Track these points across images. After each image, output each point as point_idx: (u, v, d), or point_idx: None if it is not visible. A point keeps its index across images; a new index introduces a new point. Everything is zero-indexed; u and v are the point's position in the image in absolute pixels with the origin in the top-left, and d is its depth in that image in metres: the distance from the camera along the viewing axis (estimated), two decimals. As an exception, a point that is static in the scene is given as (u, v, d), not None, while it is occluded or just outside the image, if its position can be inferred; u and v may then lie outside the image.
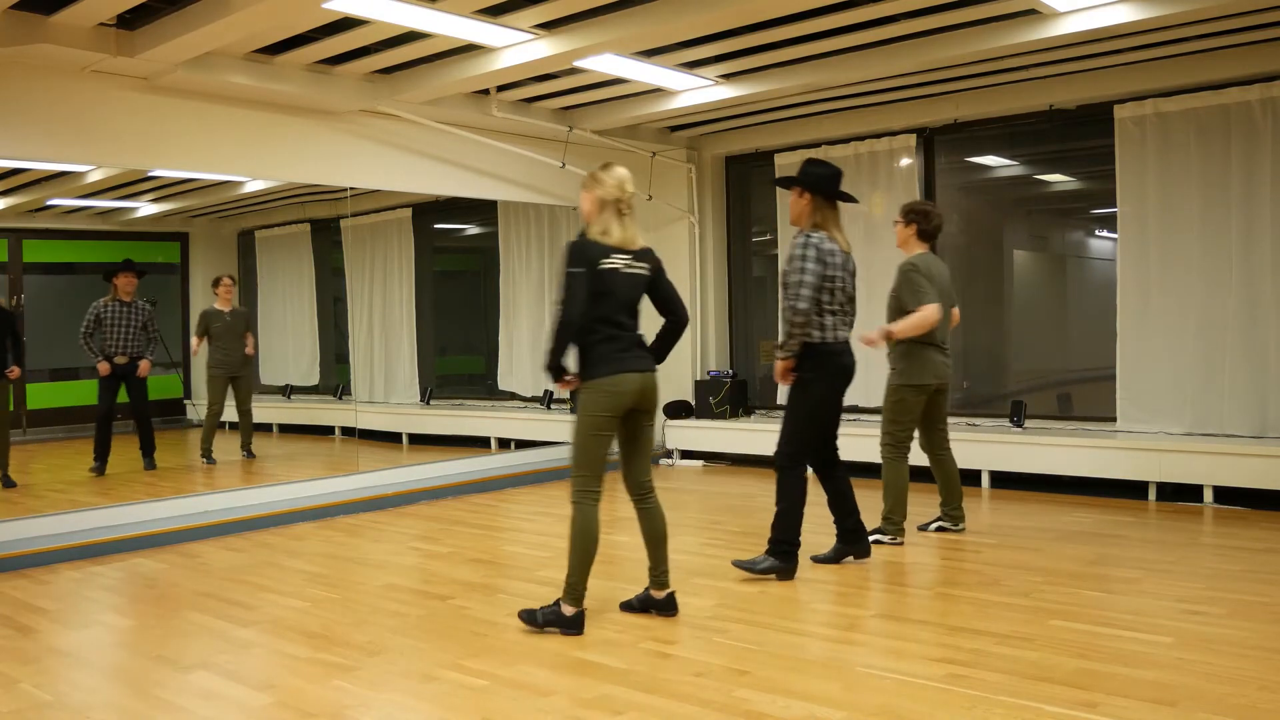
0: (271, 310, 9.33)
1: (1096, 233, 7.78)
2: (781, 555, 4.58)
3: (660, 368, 4.01)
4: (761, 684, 3.27)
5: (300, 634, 3.96)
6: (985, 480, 6.89)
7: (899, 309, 5.13)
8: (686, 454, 8.45)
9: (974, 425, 7.30)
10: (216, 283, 8.10)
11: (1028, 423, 7.05)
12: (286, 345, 9.25)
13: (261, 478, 7.78)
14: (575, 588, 3.81)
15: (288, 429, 9.19)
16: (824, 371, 4.55)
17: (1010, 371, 7.89)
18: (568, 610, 3.82)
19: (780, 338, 4.60)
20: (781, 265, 4.66)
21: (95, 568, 5.20)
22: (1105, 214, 7.15)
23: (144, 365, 7.41)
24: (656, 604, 4.06)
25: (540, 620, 3.86)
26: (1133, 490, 6.40)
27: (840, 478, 4.78)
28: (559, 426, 8.53)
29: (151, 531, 5.70)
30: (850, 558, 4.84)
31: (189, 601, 4.49)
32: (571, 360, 3.86)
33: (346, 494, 6.72)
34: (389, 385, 9.28)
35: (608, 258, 3.77)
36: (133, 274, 7.51)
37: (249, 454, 8.11)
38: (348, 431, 8.56)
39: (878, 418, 5.50)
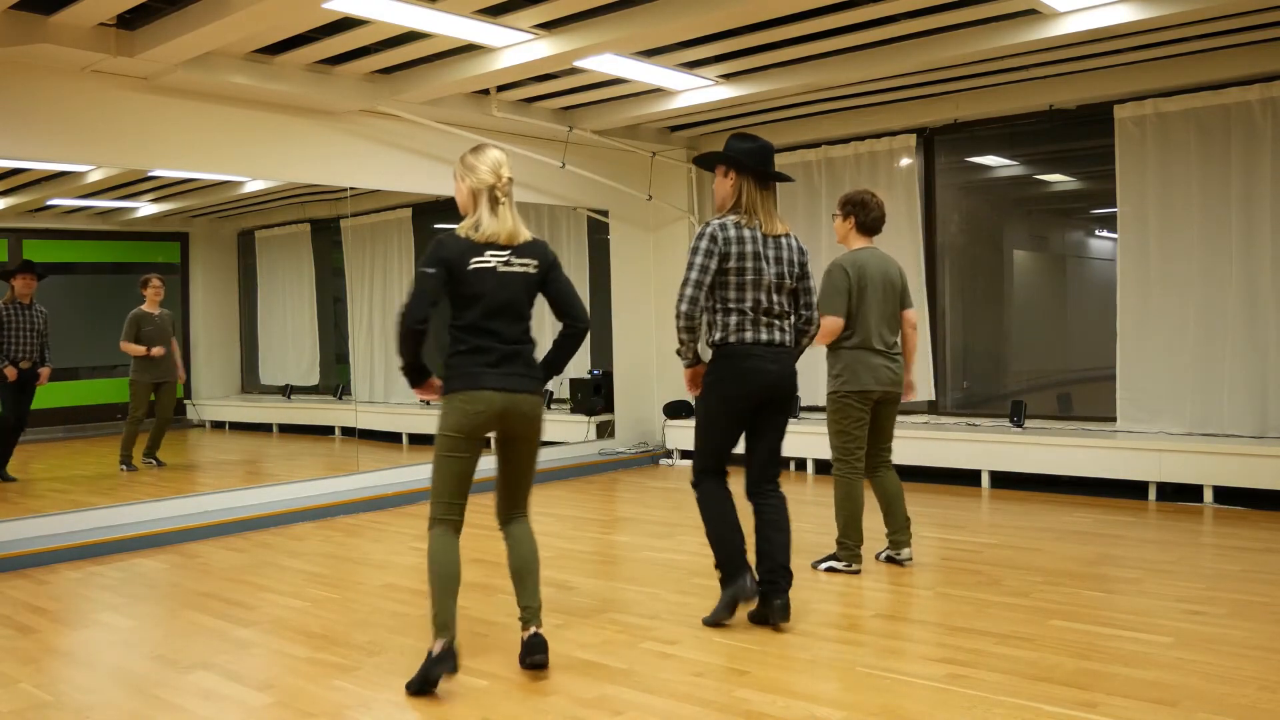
0: (271, 310, 9.32)
1: (1096, 233, 7.78)
2: (729, 581, 3.87)
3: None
4: (761, 684, 3.27)
5: (300, 634, 3.95)
6: (985, 480, 6.89)
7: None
8: (686, 454, 8.44)
9: (974, 425, 7.30)
10: (145, 283, 7.67)
11: (1028, 423, 7.06)
12: (286, 345, 9.24)
13: (261, 478, 7.78)
14: (436, 618, 3.25)
15: (288, 429, 9.18)
16: (719, 376, 3.86)
17: (1010, 371, 7.89)
18: (434, 646, 3.24)
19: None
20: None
21: (95, 568, 5.20)
22: (1105, 214, 7.15)
23: (45, 373, 7.02)
24: (524, 646, 3.41)
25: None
26: (1133, 490, 6.40)
27: (769, 510, 3.99)
28: (559, 427, 8.54)
29: (151, 531, 5.70)
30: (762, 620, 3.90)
31: (189, 601, 4.49)
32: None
33: (346, 494, 6.72)
34: (389, 385, 9.27)
35: (477, 256, 3.28)
36: (32, 275, 7.07)
37: (158, 462, 7.69)
38: (348, 431, 8.55)
39: None
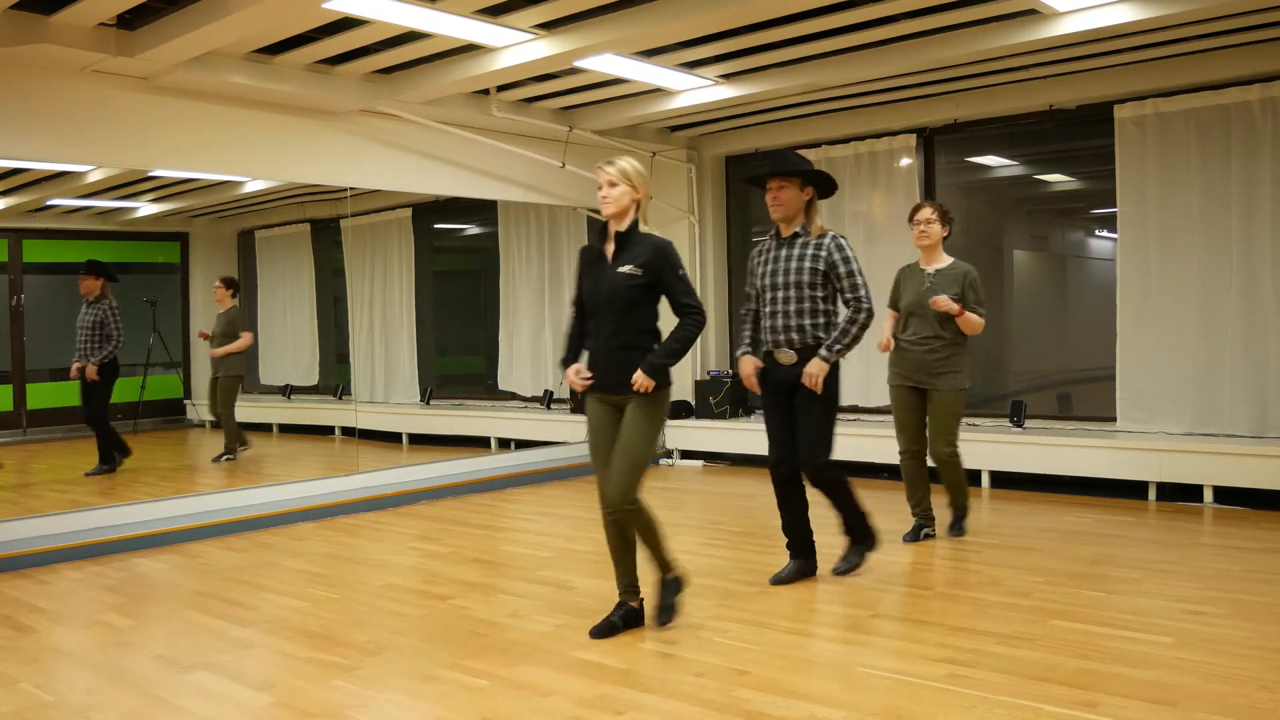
0: (271, 310, 9.33)
1: (1096, 233, 7.78)
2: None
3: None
4: (761, 684, 3.27)
5: (300, 634, 3.95)
6: (985, 480, 6.89)
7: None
8: (686, 454, 8.44)
9: (974, 425, 7.29)
10: None
11: (1028, 423, 7.05)
12: (286, 345, 9.25)
13: (261, 478, 7.78)
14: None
15: (288, 429, 9.19)
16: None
17: (1010, 371, 7.89)
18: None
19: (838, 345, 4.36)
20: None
21: (95, 568, 5.20)
22: (1105, 214, 7.15)
23: None
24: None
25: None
26: (1133, 490, 6.39)
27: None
28: (559, 426, 8.53)
29: (151, 531, 5.70)
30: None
31: (189, 601, 4.49)
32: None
33: (346, 494, 6.72)
34: (389, 385, 9.28)
35: None
36: None
37: None
38: (348, 431, 8.56)
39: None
